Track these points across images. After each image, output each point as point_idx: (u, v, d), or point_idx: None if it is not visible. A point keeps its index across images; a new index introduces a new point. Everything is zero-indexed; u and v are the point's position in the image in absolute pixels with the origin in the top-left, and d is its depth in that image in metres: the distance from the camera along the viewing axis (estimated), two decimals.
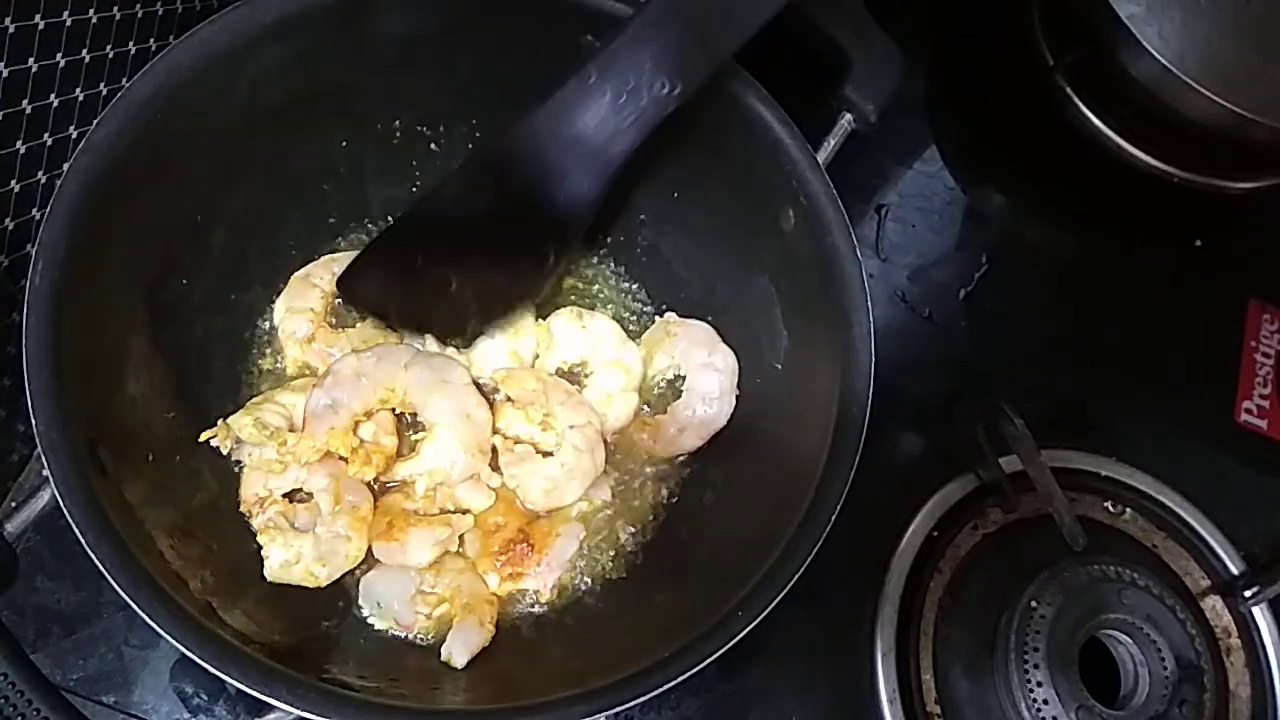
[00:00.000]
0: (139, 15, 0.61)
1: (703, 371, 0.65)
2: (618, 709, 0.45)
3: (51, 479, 0.43)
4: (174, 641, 0.43)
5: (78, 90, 0.57)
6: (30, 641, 0.60)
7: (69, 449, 0.44)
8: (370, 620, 0.58)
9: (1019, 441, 0.67)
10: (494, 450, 0.62)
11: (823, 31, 0.59)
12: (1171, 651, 0.62)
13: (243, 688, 0.43)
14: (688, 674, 0.46)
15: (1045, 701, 0.60)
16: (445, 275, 0.60)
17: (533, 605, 0.61)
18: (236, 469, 0.59)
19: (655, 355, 0.66)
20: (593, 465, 0.62)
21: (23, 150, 0.55)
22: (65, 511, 0.43)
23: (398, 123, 0.63)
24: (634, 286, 0.71)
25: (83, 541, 0.43)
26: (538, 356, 0.65)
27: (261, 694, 0.43)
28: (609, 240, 0.70)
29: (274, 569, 0.55)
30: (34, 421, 0.43)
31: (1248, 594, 0.71)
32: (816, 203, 0.56)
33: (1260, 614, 0.71)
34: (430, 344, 0.64)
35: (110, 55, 0.59)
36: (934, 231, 0.84)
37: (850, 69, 0.59)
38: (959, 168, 0.87)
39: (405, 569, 0.59)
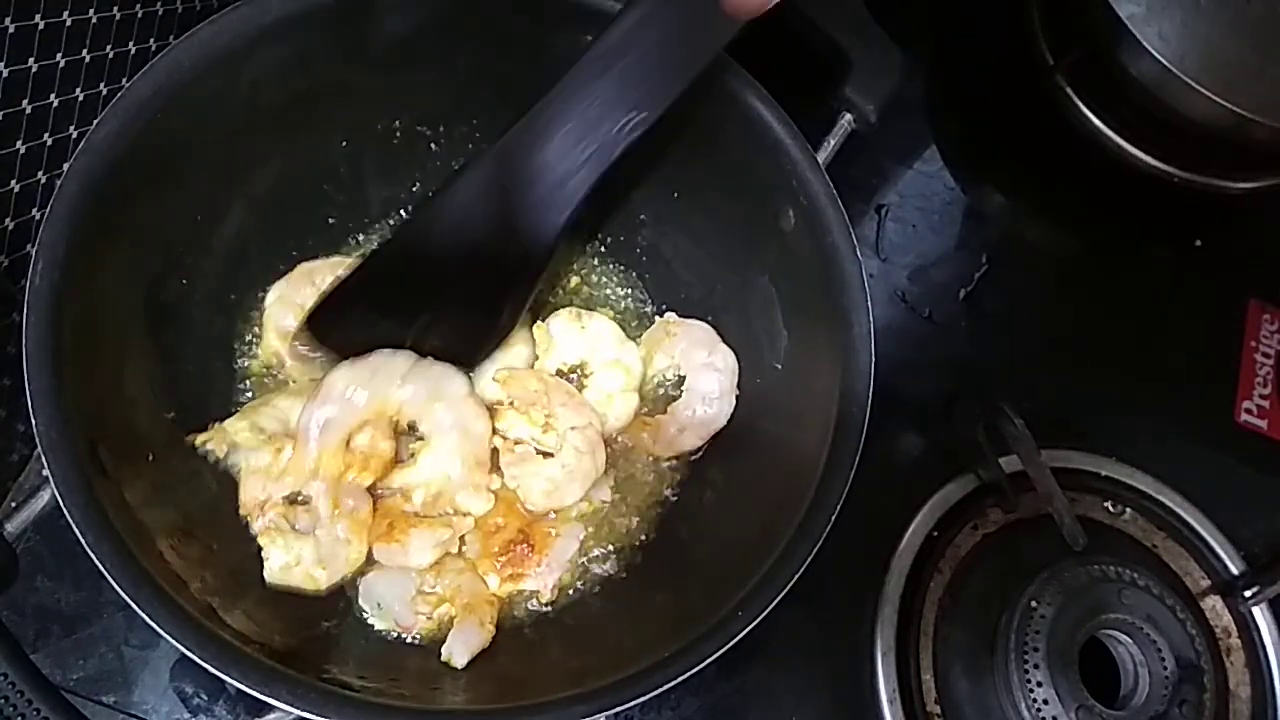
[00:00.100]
0: (139, 15, 0.61)
1: (703, 371, 0.65)
2: (618, 709, 0.45)
3: (51, 479, 0.43)
4: (174, 641, 0.43)
5: (78, 90, 0.57)
6: (30, 641, 0.60)
7: (69, 449, 0.44)
8: (370, 621, 0.58)
9: (1019, 441, 0.67)
10: (494, 451, 0.62)
11: (823, 31, 0.59)
12: (1171, 651, 0.62)
13: (243, 688, 0.43)
14: (688, 674, 0.46)
15: (1045, 701, 0.60)
16: (412, 314, 0.59)
17: (533, 605, 0.61)
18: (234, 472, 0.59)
19: (655, 355, 0.66)
20: (593, 466, 0.62)
21: (23, 150, 0.55)
22: (65, 511, 0.43)
23: (398, 123, 0.63)
24: (634, 287, 0.71)
25: (83, 541, 0.43)
26: (537, 358, 0.65)
27: (261, 694, 0.43)
28: (609, 240, 0.70)
29: (274, 572, 0.55)
30: (34, 421, 0.44)
31: (1248, 594, 0.71)
32: (816, 203, 0.56)
33: (1260, 614, 0.71)
34: None
35: (110, 55, 0.59)
36: (934, 231, 0.84)
37: (850, 69, 0.59)
38: (959, 168, 0.87)
39: (405, 570, 0.59)
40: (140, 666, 0.61)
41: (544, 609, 0.61)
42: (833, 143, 0.59)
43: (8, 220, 0.56)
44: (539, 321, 0.65)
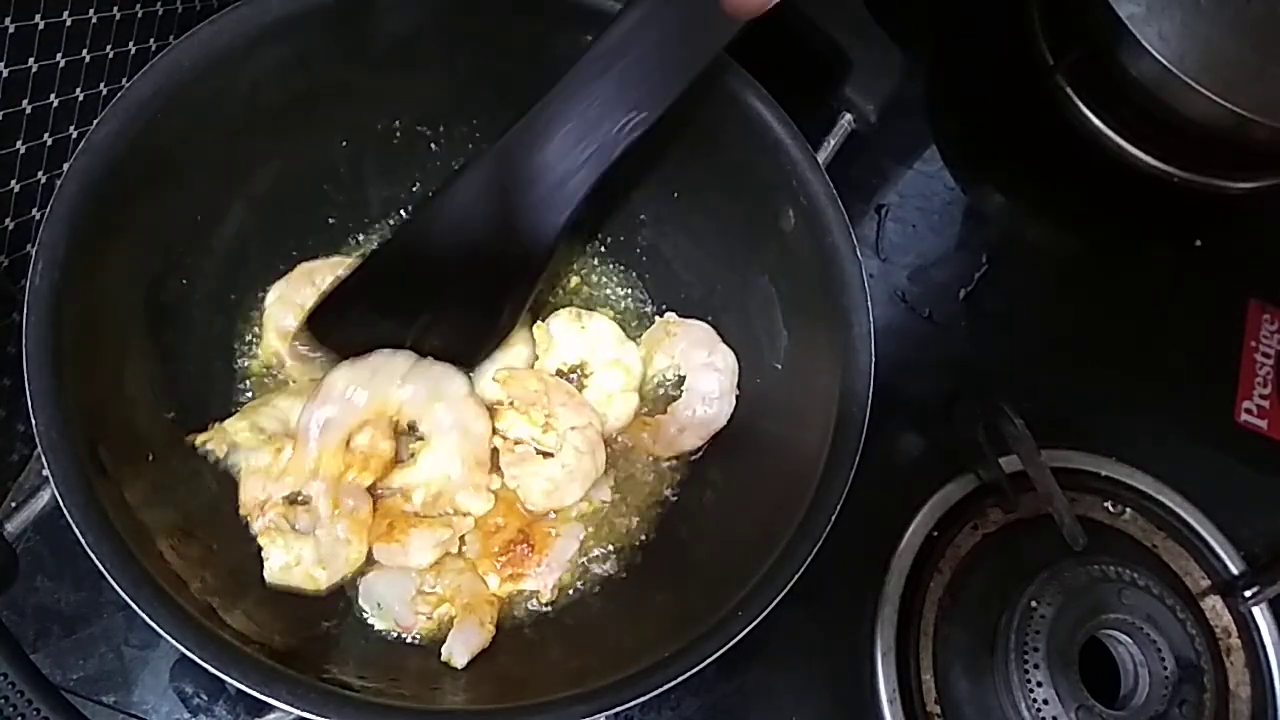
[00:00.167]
0: (139, 15, 0.61)
1: (703, 371, 0.65)
2: (618, 709, 0.45)
3: (51, 479, 0.43)
4: (174, 641, 0.43)
5: (78, 90, 0.57)
6: (30, 641, 0.60)
7: (69, 449, 0.44)
8: (370, 621, 0.58)
9: (1019, 441, 0.67)
10: (494, 451, 0.62)
11: (823, 31, 0.59)
12: (1171, 651, 0.62)
13: (243, 688, 0.43)
14: (688, 674, 0.46)
15: (1045, 701, 0.60)
16: (412, 314, 0.59)
17: (533, 605, 0.61)
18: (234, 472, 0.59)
19: (655, 355, 0.66)
20: (594, 466, 0.62)
21: (23, 150, 0.55)
22: (65, 511, 0.43)
23: (398, 123, 0.63)
24: (634, 287, 0.71)
25: (83, 541, 0.43)
26: (537, 358, 0.65)
27: (261, 694, 0.43)
28: (609, 240, 0.70)
29: (274, 571, 0.55)
30: (34, 421, 0.44)
31: (1248, 594, 0.71)
32: (816, 203, 0.56)
33: (1260, 614, 0.71)
34: None
35: (110, 55, 0.59)
36: (934, 231, 0.84)
37: (850, 69, 0.59)
38: (959, 168, 0.87)
39: (405, 570, 0.59)
40: (140, 666, 0.61)
41: (544, 609, 0.61)
42: (833, 143, 0.59)
43: (8, 220, 0.56)
44: (539, 321, 0.65)
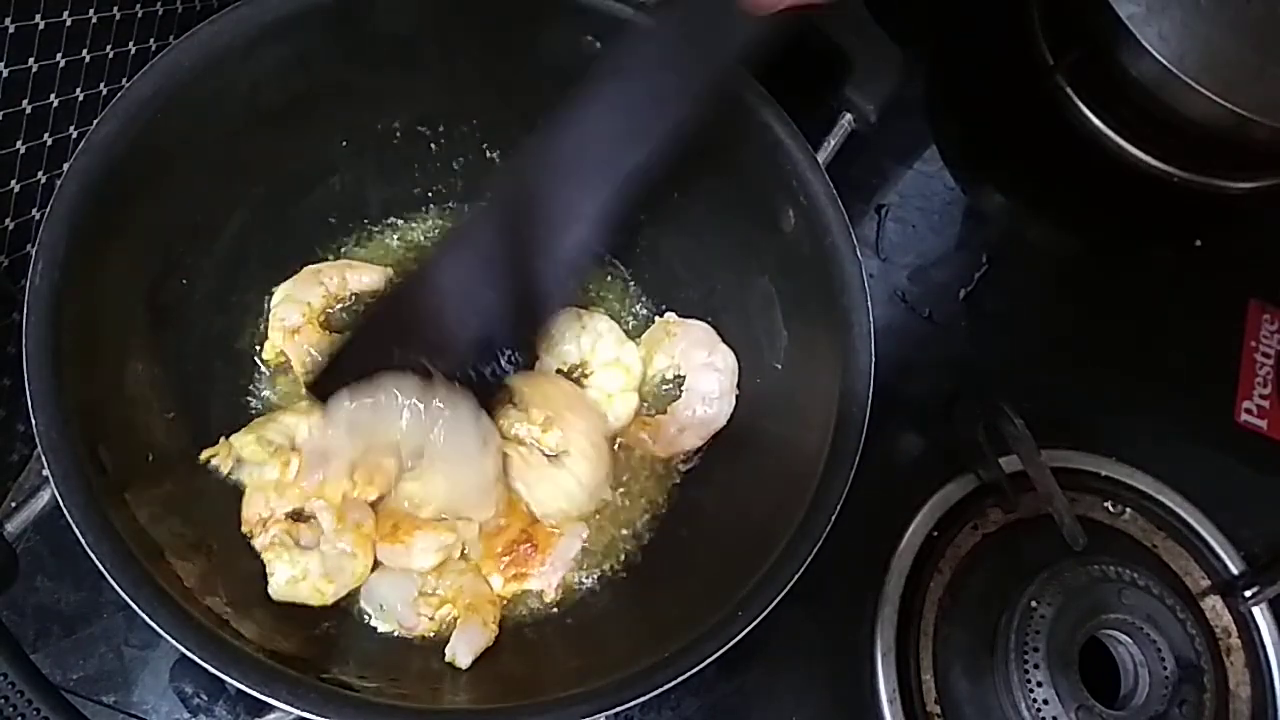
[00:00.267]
0: (139, 15, 0.61)
1: (703, 371, 0.65)
2: (618, 709, 0.45)
3: (51, 479, 0.43)
4: (174, 641, 0.43)
5: (78, 90, 0.57)
6: (30, 641, 0.60)
7: (69, 449, 0.44)
8: (372, 622, 0.58)
9: (1019, 441, 0.67)
10: (504, 457, 0.60)
11: (822, 31, 0.59)
12: (1171, 651, 0.62)
13: (243, 688, 0.43)
14: (688, 674, 0.46)
15: (1045, 701, 0.60)
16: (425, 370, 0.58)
17: (536, 605, 0.61)
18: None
19: (655, 355, 0.66)
20: (604, 477, 0.61)
21: (23, 150, 0.55)
22: (65, 511, 0.43)
23: (398, 123, 0.63)
24: (634, 286, 0.71)
25: (83, 541, 0.43)
26: (538, 358, 0.65)
27: (261, 694, 0.43)
28: (609, 240, 0.70)
29: (279, 586, 0.55)
30: (34, 421, 0.44)
31: (1248, 594, 0.71)
32: (816, 203, 0.56)
33: (1260, 614, 0.71)
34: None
35: (110, 55, 0.59)
36: (934, 231, 0.84)
37: (850, 69, 0.59)
38: (959, 168, 0.87)
39: (408, 571, 0.59)
40: (140, 666, 0.61)
41: (544, 609, 0.61)
42: (833, 143, 0.59)
43: (8, 220, 0.56)
44: None
